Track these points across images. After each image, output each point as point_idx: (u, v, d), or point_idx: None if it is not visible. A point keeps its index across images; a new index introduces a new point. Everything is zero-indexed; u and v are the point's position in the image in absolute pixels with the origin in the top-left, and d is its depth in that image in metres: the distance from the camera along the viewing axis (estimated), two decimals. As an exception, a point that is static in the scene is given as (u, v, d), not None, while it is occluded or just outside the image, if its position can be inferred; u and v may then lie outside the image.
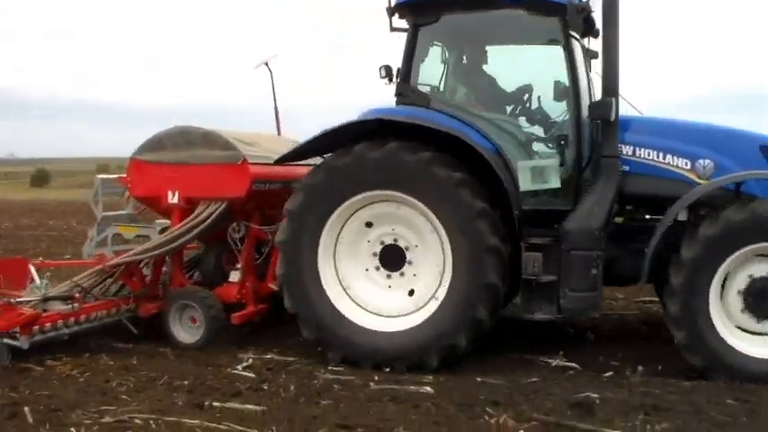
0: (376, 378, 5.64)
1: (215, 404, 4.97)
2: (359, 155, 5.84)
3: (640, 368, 5.76)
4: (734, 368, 5.35)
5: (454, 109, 6.24)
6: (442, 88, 6.63)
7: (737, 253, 5.36)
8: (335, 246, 6.17)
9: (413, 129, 5.81)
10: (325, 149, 6.33)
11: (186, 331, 6.60)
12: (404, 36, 6.35)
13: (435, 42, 6.56)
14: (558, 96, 6.17)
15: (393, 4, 6.30)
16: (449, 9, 6.22)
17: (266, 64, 8.83)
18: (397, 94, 6.38)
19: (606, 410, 4.74)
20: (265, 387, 5.41)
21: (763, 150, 5.99)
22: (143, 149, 7.03)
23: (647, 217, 6.17)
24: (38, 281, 6.38)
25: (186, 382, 5.51)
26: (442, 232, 5.85)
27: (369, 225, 6.16)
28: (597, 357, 5.97)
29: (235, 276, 6.96)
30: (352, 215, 6.11)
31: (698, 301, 5.38)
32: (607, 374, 5.73)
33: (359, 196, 5.99)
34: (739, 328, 5.52)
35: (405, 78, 6.33)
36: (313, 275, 6.11)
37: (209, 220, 6.67)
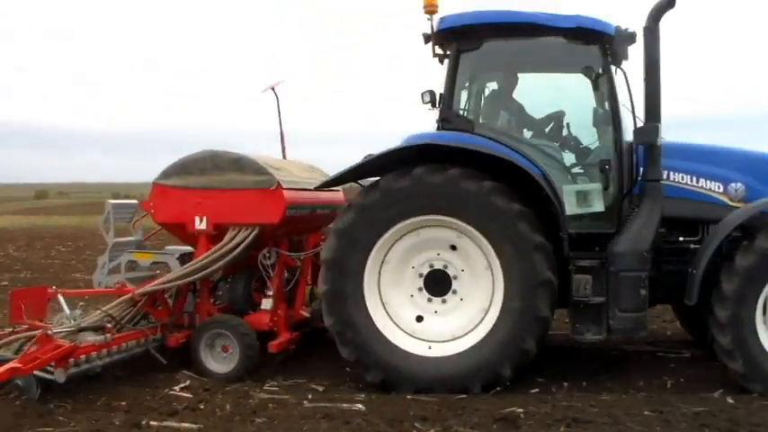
0: (309, 396, 5.78)
1: (152, 423, 5.03)
2: (417, 178, 5.87)
3: (565, 384, 6.13)
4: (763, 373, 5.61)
5: (496, 134, 6.31)
6: (482, 114, 6.75)
7: None
8: (381, 266, 6.18)
9: (459, 153, 5.86)
10: (372, 173, 6.28)
11: (217, 361, 6.44)
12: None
13: (476, 68, 6.61)
14: (598, 122, 6.35)
15: (435, 30, 6.33)
16: (491, 36, 6.34)
17: (273, 89, 8.70)
18: (442, 120, 6.43)
19: (530, 423, 4.97)
20: (202, 406, 5.48)
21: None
22: (167, 174, 6.90)
23: (681, 239, 6.25)
24: (67, 310, 6.16)
25: (124, 403, 5.56)
26: (496, 263, 5.92)
27: (416, 249, 6.16)
28: (526, 374, 6.11)
29: (267, 304, 6.82)
30: (401, 237, 6.14)
31: (746, 310, 5.58)
32: (534, 390, 5.97)
33: (412, 219, 6.02)
34: None
35: (448, 104, 6.41)
36: (357, 295, 6.09)
37: (242, 247, 6.59)
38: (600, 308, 5.91)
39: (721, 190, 6.20)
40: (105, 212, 7.73)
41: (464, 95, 6.65)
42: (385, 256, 6.15)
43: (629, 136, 6.24)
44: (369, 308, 6.10)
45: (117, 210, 7.82)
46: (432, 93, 6.59)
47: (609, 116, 6.30)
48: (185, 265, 6.76)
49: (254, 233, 6.62)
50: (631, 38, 6.07)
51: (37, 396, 5.50)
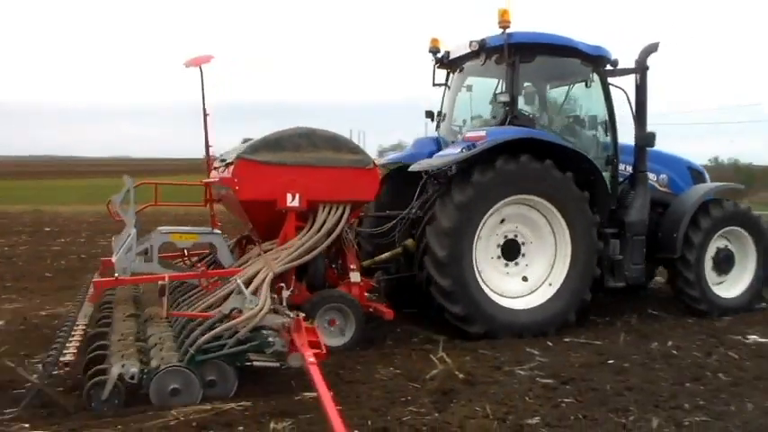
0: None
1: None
2: (524, 164, 7.45)
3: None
4: (716, 305, 8.65)
5: (548, 130, 8.20)
6: (534, 114, 8.55)
7: (722, 231, 8.79)
8: (478, 235, 7.47)
9: (536, 144, 7.61)
10: (471, 163, 7.44)
11: (325, 335, 6.43)
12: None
13: (527, 77, 8.42)
14: (604, 126, 8.55)
15: (507, 44, 7.90)
16: (540, 53, 8.18)
17: (200, 67, 8.40)
18: (512, 117, 7.99)
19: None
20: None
21: (689, 170, 9.40)
22: (257, 149, 6.87)
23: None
24: (248, 295, 5.71)
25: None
26: (566, 236, 7.77)
27: (500, 222, 7.76)
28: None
29: (355, 277, 7.26)
30: (496, 212, 7.58)
31: (704, 254, 8.66)
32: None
33: (516, 196, 7.59)
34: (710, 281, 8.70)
35: (513, 105, 8.01)
36: (468, 259, 7.35)
37: (342, 222, 7.03)
38: (620, 263, 8.30)
39: (656, 180, 8.96)
40: (124, 190, 7.20)
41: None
42: (482, 225, 7.50)
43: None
44: (475, 270, 7.41)
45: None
46: (431, 112, 9.23)
47: (611, 122, 8.55)
48: (296, 243, 6.80)
49: (348, 209, 7.07)
50: (614, 65, 8.61)
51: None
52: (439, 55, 9.04)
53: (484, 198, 7.39)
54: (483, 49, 8.19)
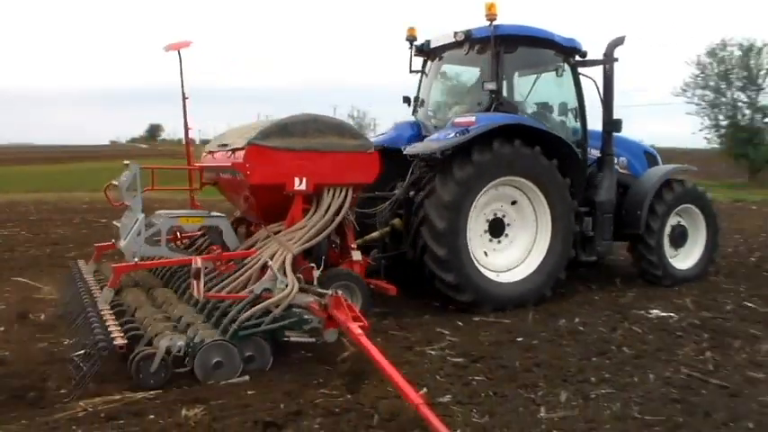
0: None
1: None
2: (517, 148, 8.00)
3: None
4: (672, 275, 9.48)
5: (527, 116, 8.82)
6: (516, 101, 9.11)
7: (677, 209, 9.67)
8: (471, 211, 7.95)
9: (523, 129, 8.17)
10: (468, 146, 7.84)
11: None
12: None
13: (509, 66, 8.92)
14: (575, 113, 9.22)
15: (494, 35, 8.37)
16: (521, 45, 8.70)
17: (179, 51, 8.82)
18: (498, 104, 8.47)
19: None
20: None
21: (644, 153, 10.43)
22: (267, 135, 7.08)
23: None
24: (279, 276, 6.01)
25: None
26: (547, 217, 8.33)
27: (489, 201, 8.27)
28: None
29: (357, 255, 7.55)
30: (488, 190, 8.09)
31: (662, 240, 9.50)
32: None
33: (508, 177, 8.13)
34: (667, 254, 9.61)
35: (499, 93, 8.53)
36: (463, 232, 7.85)
37: (347, 204, 7.37)
38: (592, 239, 8.98)
39: (617, 162, 9.56)
40: (131, 174, 7.42)
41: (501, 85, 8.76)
42: (477, 203, 7.99)
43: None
44: (467, 243, 7.88)
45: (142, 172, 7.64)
46: (408, 98, 9.79)
47: (581, 109, 9.19)
48: (307, 224, 7.08)
49: (350, 192, 7.40)
50: (583, 55, 9.20)
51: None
52: (417, 43, 9.62)
53: (480, 177, 7.90)
54: (468, 40, 8.71)
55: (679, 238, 9.78)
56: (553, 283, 8.36)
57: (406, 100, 9.87)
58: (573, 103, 9.21)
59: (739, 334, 6.85)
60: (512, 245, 8.45)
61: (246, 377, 5.41)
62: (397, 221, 8.45)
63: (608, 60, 9.21)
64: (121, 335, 5.51)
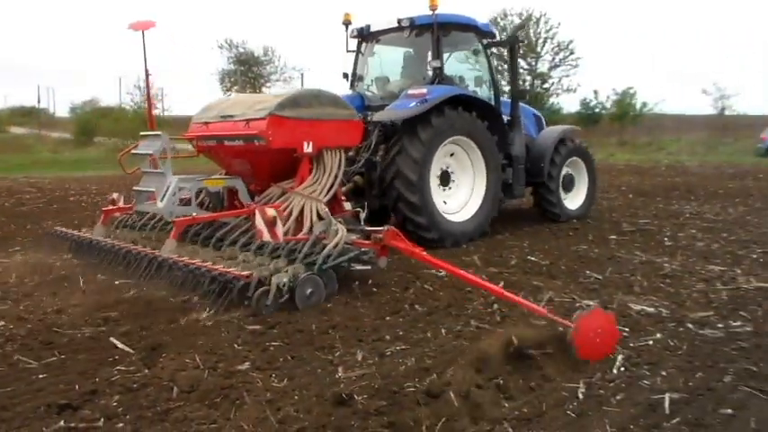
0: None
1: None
2: (462, 114, 10.18)
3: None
4: (566, 213, 12.24)
5: (461, 88, 11.09)
6: (452, 76, 11.27)
7: (568, 161, 12.33)
8: (431, 165, 9.96)
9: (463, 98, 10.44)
10: (425, 113, 9.79)
11: None
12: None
13: (445, 47, 10.95)
14: (488, 84, 11.64)
15: (436, 23, 10.47)
16: (453, 29, 10.93)
17: (141, 31, 9.80)
18: (440, 80, 10.65)
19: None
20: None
21: (534, 117, 12.85)
22: (283, 107, 8.20)
23: None
24: (334, 222, 7.65)
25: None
26: (482, 168, 10.54)
27: (439, 157, 10.13)
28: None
29: (348, 206, 9.03)
30: (441, 147, 10.08)
31: (558, 186, 12.15)
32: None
33: (457, 136, 10.23)
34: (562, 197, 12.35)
35: (441, 70, 10.72)
36: (428, 182, 9.83)
37: (342, 163, 8.73)
38: (511, 185, 11.25)
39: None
40: (159, 144, 8.81)
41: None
42: (434, 158, 10.00)
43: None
44: (431, 191, 9.89)
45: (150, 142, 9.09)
46: (345, 74, 11.87)
47: (493, 81, 11.60)
48: (321, 180, 8.42)
49: (343, 153, 8.80)
50: (492, 37, 11.78)
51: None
52: (353, 26, 11.72)
53: (437, 136, 9.92)
54: (411, 26, 10.72)
55: (569, 184, 12.50)
56: (490, 220, 10.64)
57: (345, 76, 11.90)
58: (487, 76, 11.64)
59: (524, 286, 7.33)
60: (457, 191, 10.55)
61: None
62: (358, 179, 10.16)
63: (513, 41, 11.87)
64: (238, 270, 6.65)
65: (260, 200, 8.51)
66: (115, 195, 9.95)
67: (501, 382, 4.66)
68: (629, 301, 6.75)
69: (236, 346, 5.50)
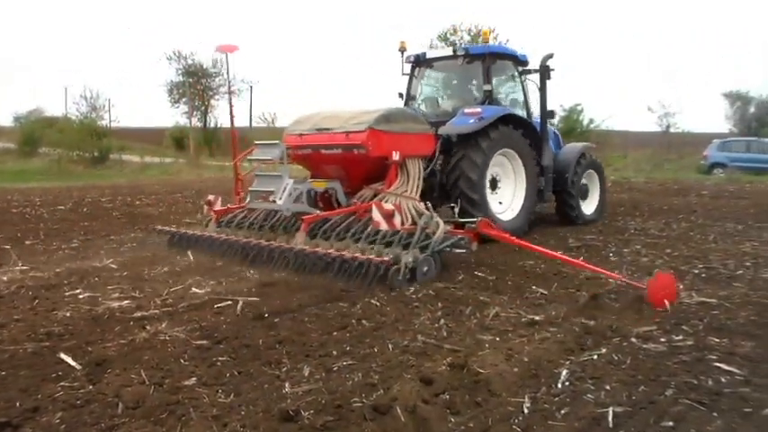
0: None
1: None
2: (511, 130, 12.13)
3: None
4: (583, 217, 14.22)
5: (510, 109, 12.83)
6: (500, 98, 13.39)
7: (586, 173, 14.26)
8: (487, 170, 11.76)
9: (512, 117, 12.38)
10: (484, 128, 11.57)
11: None
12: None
13: (492, 74, 12.77)
14: (523, 105, 13.63)
15: (488, 53, 12.66)
16: (499, 58, 12.94)
17: (226, 53, 11.59)
18: (490, 102, 12.44)
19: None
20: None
21: (554, 134, 14.80)
22: (378, 122, 10.01)
23: None
24: (435, 215, 9.51)
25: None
26: (523, 176, 12.42)
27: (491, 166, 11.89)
28: None
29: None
30: (494, 156, 11.87)
31: (578, 194, 14.08)
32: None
33: (505, 149, 12.08)
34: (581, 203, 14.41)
35: (491, 92, 12.56)
36: (484, 184, 11.65)
37: (422, 169, 10.78)
38: (542, 191, 13.04)
39: None
40: (280, 150, 10.52)
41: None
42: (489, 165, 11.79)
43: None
44: (486, 191, 11.72)
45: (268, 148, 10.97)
46: (400, 93, 13.75)
47: (525, 103, 13.64)
48: (409, 182, 10.44)
49: (421, 161, 10.81)
50: (525, 65, 13.60)
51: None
52: (408, 53, 13.61)
53: (493, 147, 11.69)
54: (466, 55, 12.72)
55: (585, 192, 14.44)
56: (528, 221, 12.60)
57: (401, 95, 13.76)
58: (522, 98, 13.60)
59: (470, 301, 7.41)
60: (503, 195, 12.35)
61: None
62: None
63: (544, 69, 13.01)
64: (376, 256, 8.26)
65: (355, 199, 10.34)
66: (212, 197, 11.30)
67: (447, 397, 4.75)
68: (573, 316, 6.87)
69: (182, 361, 5.50)
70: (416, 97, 13.60)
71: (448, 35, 46.25)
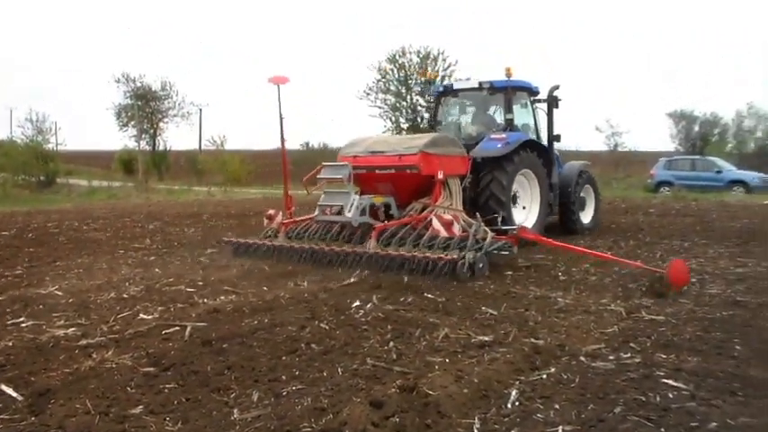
0: None
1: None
2: (531, 154, 14.05)
3: None
4: (582, 227, 16.01)
5: (529, 135, 14.86)
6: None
7: (583, 187, 16.42)
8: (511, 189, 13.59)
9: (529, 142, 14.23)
10: (510, 152, 13.46)
11: None
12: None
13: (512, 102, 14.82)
14: (534, 130, 15.56)
15: (509, 87, 14.63)
16: (516, 90, 14.96)
17: (277, 85, 12.54)
18: (510, 129, 14.36)
19: None
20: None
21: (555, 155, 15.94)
22: (428, 146, 12.00)
23: None
24: (475, 222, 11.14)
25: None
26: (537, 190, 14.34)
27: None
28: None
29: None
30: (516, 176, 13.69)
31: (578, 206, 15.99)
32: None
33: (526, 169, 13.96)
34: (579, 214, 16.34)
35: (512, 121, 14.58)
36: (510, 201, 13.46)
37: (460, 187, 12.68)
38: (551, 204, 14.97)
39: None
40: (347, 170, 11.99)
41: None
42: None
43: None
44: (511, 208, 13.52)
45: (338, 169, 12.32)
46: (429, 119, 16.92)
47: (536, 128, 15.55)
48: (453, 198, 12.38)
49: (459, 180, 12.70)
50: (537, 95, 15.58)
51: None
52: (437, 84, 16.85)
53: (516, 169, 13.55)
54: (491, 88, 14.67)
55: (582, 204, 16.18)
56: (543, 227, 14.39)
57: (428, 122, 17.21)
58: (533, 123, 15.52)
59: (419, 323, 7.41)
60: (521, 208, 14.12)
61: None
62: None
63: (551, 98, 15.10)
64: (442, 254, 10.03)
65: (406, 212, 12.07)
66: (272, 212, 12.91)
67: (397, 420, 4.74)
68: (523, 335, 6.92)
69: (129, 389, 5.43)
70: (441, 122, 15.84)
71: (397, 57, 46.68)
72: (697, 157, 40.04)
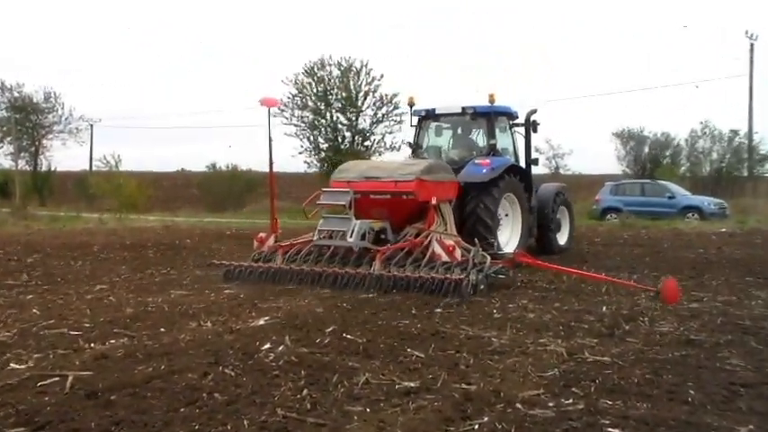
0: None
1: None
2: (514, 178, 16.31)
3: None
4: (558, 247, 18.93)
5: (512, 160, 17.22)
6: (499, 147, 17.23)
7: (559, 209, 19.13)
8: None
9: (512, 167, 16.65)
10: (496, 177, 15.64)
11: None
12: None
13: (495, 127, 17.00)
14: (512, 153, 17.77)
15: (492, 113, 16.90)
16: (498, 115, 17.15)
17: (268, 107, 14.91)
18: (493, 153, 16.40)
19: None
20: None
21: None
22: (423, 173, 13.76)
23: None
24: (476, 247, 13.04)
25: None
26: (518, 212, 16.53)
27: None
28: None
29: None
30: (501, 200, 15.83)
31: (555, 227, 18.83)
32: None
33: (509, 193, 16.11)
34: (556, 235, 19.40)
35: (494, 145, 16.65)
36: (496, 223, 15.61)
37: (451, 210, 14.62)
38: (531, 226, 17.17)
39: None
40: (349, 196, 13.80)
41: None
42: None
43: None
44: (497, 230, 15.71)
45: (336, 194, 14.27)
46: (410, 143, 18.04)
47: (515, 151, 17.85)
48: (447, 223, 14.28)
49: (450, 204, 14.56)
50: (515, 118, 17.92)
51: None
52: (418, 107, 17.75)
53: (501, 192, 15.55)
54: (474, 113, 16.85)
55: (559, 225, 18.78)
56: (526, 246, 16.12)
57: (409, 144, 18.08)
58: (512, 147, 17.63)
59: (337, 368, 7.36)
60: (505, 230, 16.22)
61: None
62: None
63: (528, 123, 17.56)
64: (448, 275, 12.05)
65: (402, 236, 13.74)
66: (263, 235, 14.62)
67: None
68: (453, 380, 6.92)
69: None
70: (422, 146, 17.73)
71: (315, 69, 46.56)
72: (647, 180, 40.63)
